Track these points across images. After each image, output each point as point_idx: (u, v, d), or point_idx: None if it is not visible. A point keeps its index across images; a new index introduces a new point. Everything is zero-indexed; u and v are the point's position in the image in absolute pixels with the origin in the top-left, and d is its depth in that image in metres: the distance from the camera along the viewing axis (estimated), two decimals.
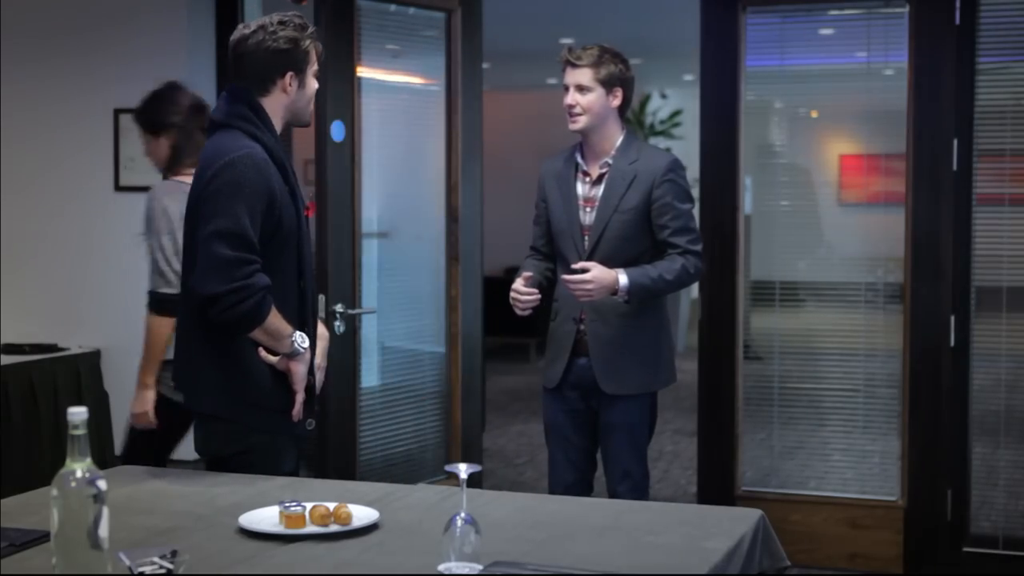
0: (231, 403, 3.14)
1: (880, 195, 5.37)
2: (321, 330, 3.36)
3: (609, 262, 3.91)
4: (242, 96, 3.16)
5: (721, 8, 5.22)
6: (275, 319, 3.09)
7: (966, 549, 5.00)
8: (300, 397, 3.15)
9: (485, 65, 5.88)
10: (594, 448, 4.17)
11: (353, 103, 5.09)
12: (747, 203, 5.39)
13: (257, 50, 3.15)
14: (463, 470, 2.34)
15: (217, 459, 3.18)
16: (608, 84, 4.03)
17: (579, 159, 4.13)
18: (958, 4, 4.91)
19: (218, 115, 3.19)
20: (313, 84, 3.24)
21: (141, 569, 1.97)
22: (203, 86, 6.04)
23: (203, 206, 3.09)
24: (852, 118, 5.50)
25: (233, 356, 3.12)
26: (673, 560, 2.32)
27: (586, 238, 4.02)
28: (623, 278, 3.89)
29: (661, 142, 12.95)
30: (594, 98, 4.04)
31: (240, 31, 3.19)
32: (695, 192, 5.95)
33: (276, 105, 3.18)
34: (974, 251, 4.98)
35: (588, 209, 4.05)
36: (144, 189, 6.12)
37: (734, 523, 2.58)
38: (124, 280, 6.11)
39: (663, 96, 13.21)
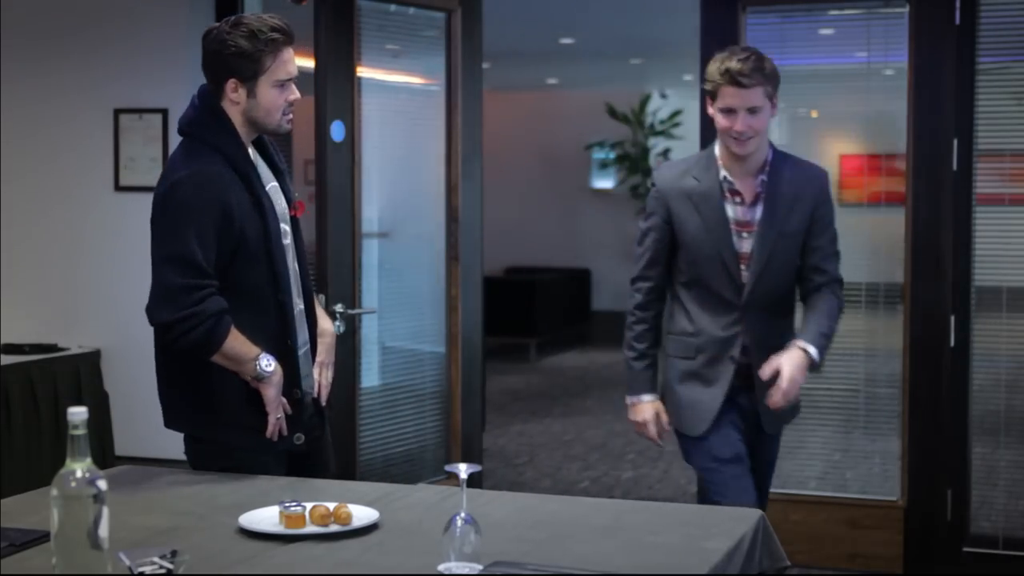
0: (206, 423, 3.12)
1: (880, 195, 5.37)
2: (326, 326, 3.32)
3: (769, 295, 3.59)
4: (205, 100, 3.09)
5: (721, 8, 5.22)
6: (235, 343, 3.00)
7: (966, 549, 5.00)
8: (272, 419, 3.08)
9: (485, 65, 5.88)
10: None
11: (353, 103, 5.09)
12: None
13: (207, 51, 3.07)
14: (463, 470, 2.34)
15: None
16: (774, 96, 3.58)
17: (725, 176, 3.62)
18: (958, 4, 4.91)
19: (182, 122, 3.12)
20: (269, 94, 3.04)
21: (141, 569, 1.97)
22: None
23: (153, 229, 3.03)
24: (852, 118, 5.50)
25: (204, 377, 3.07)
26: (673, 560, 2.32)
27: (743, 267, 3.58)
28: (811, 349, 3.52)
29: (661, 142, 12.97)
30: (765, 117, 3.55)
31: (210, 27, 3.11)
32: None
33: (232, 111, 3.07)
34: (974, 251, 4.98)
35: (745, 235, 3.58)
36: (144, 189, 6.15)
37: (734, 523, 2.58)
38: (124, 280, 6.10)
39: (663, 96, 13.21)
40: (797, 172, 3.62)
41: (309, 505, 2.52)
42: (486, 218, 5.91)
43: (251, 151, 3.14)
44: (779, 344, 3.54)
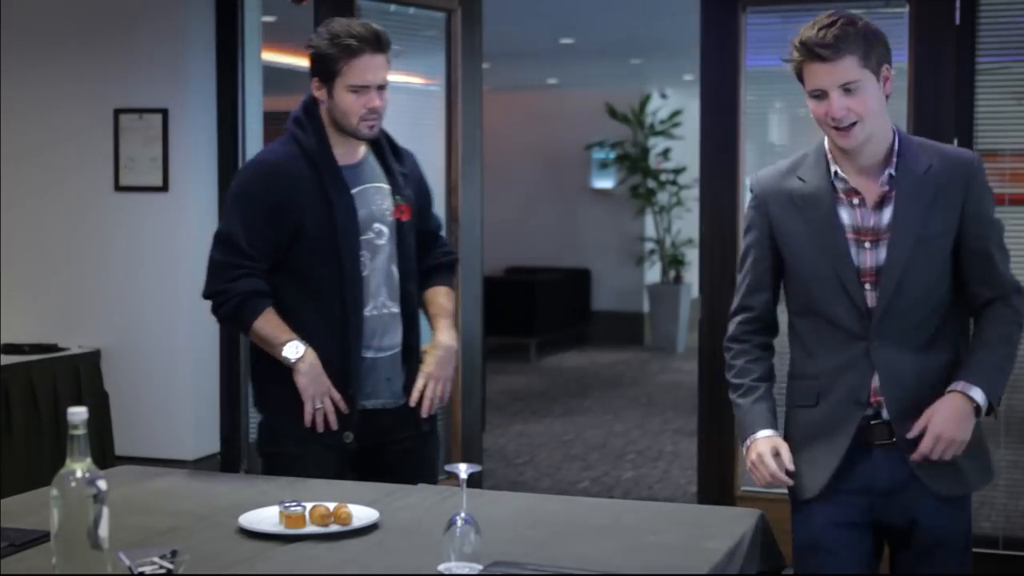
0: (263, 406, 3.32)
1: None
2: (442, 339, 3.33)
3: (906, 320, 2.76)
4: (307, 96, 3.28)
5: (721, 8, 5.22)
6: (267, 325, 3.16)
7: None
8: (308, 407, 3.16)
9: (485, 65, 5.88)
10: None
11: None
12: (747, 203, 5.37)
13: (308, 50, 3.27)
14: (463, 470, 2.34)
15: (262, 456, 3.33)
16: (879, 66, 2.76)
17: (836, 172, 2.82)
18: (958, 4, 4.91)
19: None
20: (345, 98, 3.16)
21: (141, 569, 1.97)
22: (203, 86, 6.05)
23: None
24: None
25: (265, 360, 3.23)
26: (673, 560, 2.32)
27: (868, 286, 2.77)
28: (974, 392, 2.74)
29: (661, 142, 12.96)
30: (869, 95, 2.73)
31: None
32: (695, 192, 5.96)
33: (322, 109, 3.25)
34: None
35: (868, 245, 2.78)
36: (144, 189, 6.16)
37: (734, 523, 2.58)
38: (124, 280, 6.11)
39: (663, 96, 13.21)
40: (937, 160, 2.81)
41: (309, 505, 2.52)
42: (486, 218, 5.91)
43: (344, 149, 3.23)
44: (924, 385, 2.77)
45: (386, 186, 3.29)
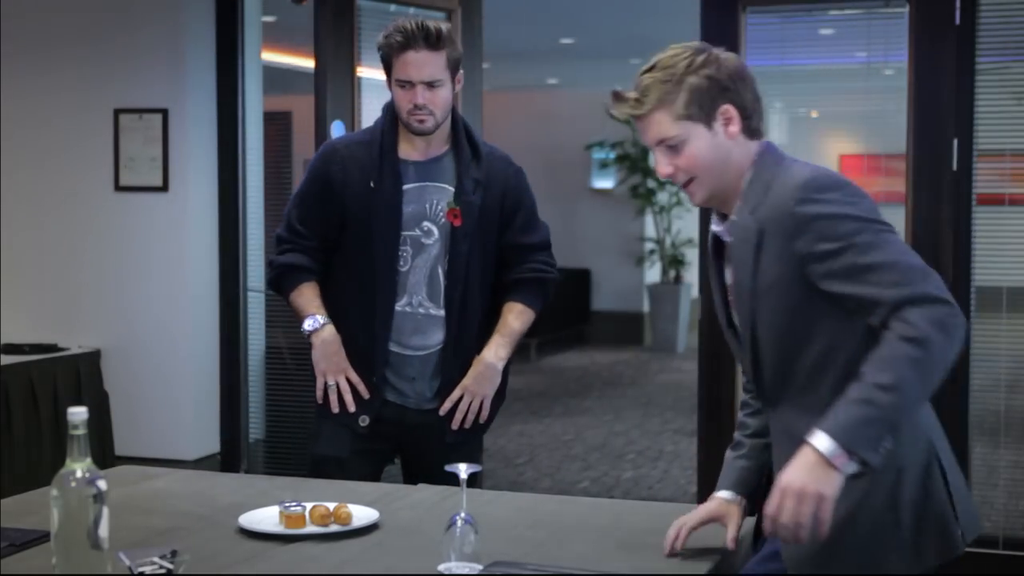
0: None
1: (880, 195, 5.36)
2: (485, 355, 3.30)
3: (788, 380, 2.31)
4: None
5: (721, 8, 5.22)
6: (299, 298, 3.30)
7: (966, 549, 4.99)
8: (319, 382, 3.27)
9: (485, 65, 5.88)
10: None
11: (353, 103, 5.09)
12: None
13: None
14: (463, 470, 2.34)
15: None
16: (706, 113, 2.30)
17: (716, 224, 2.44)
18: (958, 4, 4.91)
19: None
20: (395, 93, 3.23)
21: (141, 569, 1.96)
22: (203, 86, 6.05)
23: None
24: (852, 118, 5.51)
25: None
26: (673, 560, 2.32)
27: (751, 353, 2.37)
28: (818, 440, 2.09)
29: None
30: (697, 148, 2.30)
31: None
32: None
33: None
34: (974, 251, 4.97)
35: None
36: (144, 189, 6.16)
37: None
38: (124, 280, 6.11)
39: None
40: (768, 193, 2.29)
41: (309, 505, 2.52)
42: None
43: (417, 144, 3.26)
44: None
45: (451, 188, 3.27)
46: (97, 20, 6.11)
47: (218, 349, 6.10)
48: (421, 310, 3.26)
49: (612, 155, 13.15)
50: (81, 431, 1.97)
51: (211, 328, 6.10)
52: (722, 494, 2.43)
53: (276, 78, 6.69)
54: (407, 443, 3.34)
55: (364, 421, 3.26)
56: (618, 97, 2.33)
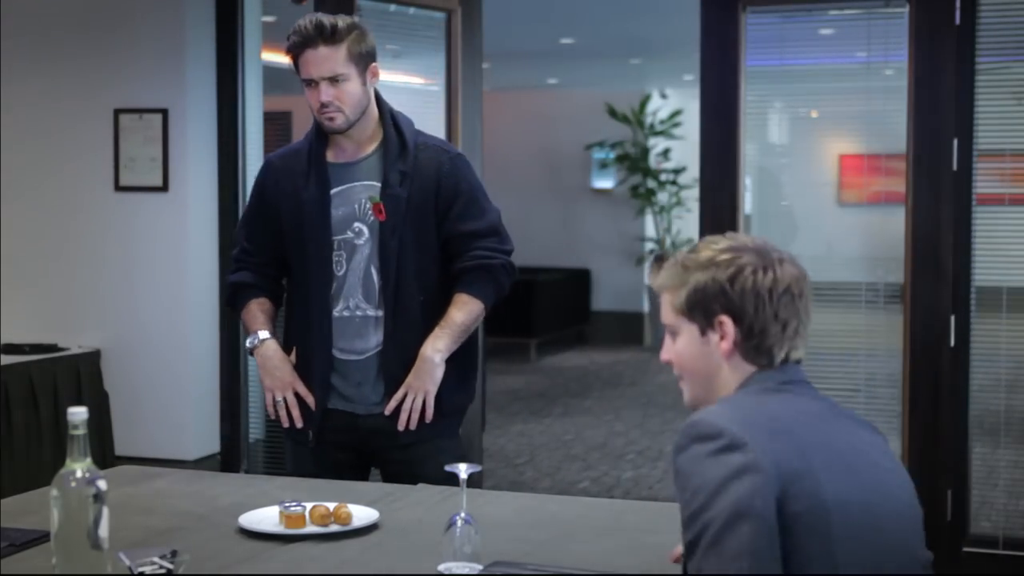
0: None
1: (880, 195, 5.36)
2: (424, 350, 3.17)
3: None
4: None
5: (721, 8, 5.22)
6: (245, 315, 3.32)
7: (966, 549, 5.00)
8: (267, 399, 3.26)
9: (485, 65, 5.88)
10: None
11: None
12: (747, 203, 5.38)
13: None
14: (463, 470, 2.34)
15: None
16: (703, 316, 2.08)
17: None
18: (958, 4, 4.91)
19: None
20: (307, 93, 3.19)
21: (141, 569, 1.96)
22: (203, 86, 6.05)
23: None
24: (852, 118, 5.50)
25: None
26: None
27: None
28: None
29: (661, 142, 12.96)
30: (683, 348, 2.14)
31: None
32: (695, 192, 5.95)
33: None
34: (974, 251, 4.98)
35: None
36: (144, 189, 6.16)
37: None
38: (124, 280, 6.11)
39: (663, 96, 13.21)
40: None
41: (309, 505, 2.52)
42: None
43: (343, 146, 3.22)
44: None
45: (378, 184, 3.20)
46: (97, 20, 6.11)
47: (218, 349, 6.10)
48: (359, 312, 3.19)
49: (612, 155, 13.15)
50: (81, 431, 1.97)
51: (211, 328, 6.10)
52: None
53: (276, 78, 6.68)
54: (368, 451, 3.26)
55: (309, 437, 3.23)
56: (657, 259, 2.19)
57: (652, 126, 13.00)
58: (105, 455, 5.75)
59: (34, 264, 6.20)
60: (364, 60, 3.18)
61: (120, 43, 6.07)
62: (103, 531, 1.97)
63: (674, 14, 7.89)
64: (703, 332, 2.03)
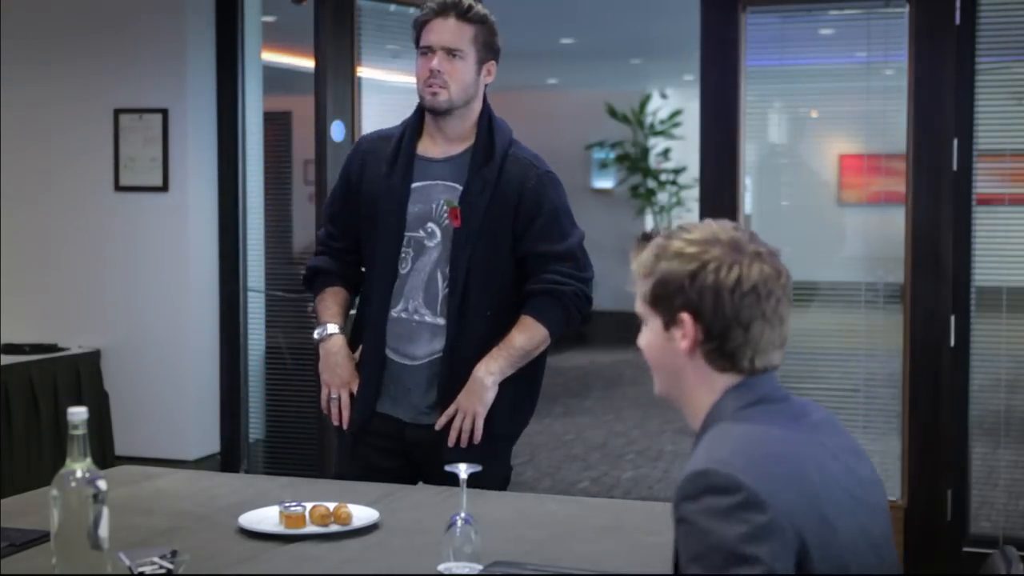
0: None
1: (880, 195, 5.36)
2: (477, 372, 3.03)
3: None
4: None
5: (721, 8, 5.22)
6: (319, 304, 3.22)
7: (966, 549, 5.00)
8: (323, 394, 3.17)
9: None
10: None
11: (353, 103, 5.09)
12: (747, 203, 5.38)
13: None
14: (463, 470, 2.34)
15: None
16: (665, 311, 1.99)
17: None
18: (958, 4, 4.91)
19: None
20: (418, 63, 3.14)
21: (141, 569, 1.96)
22: (203, 86, 6.05)
23: None
24: (852, 118, 5.50)
25: None
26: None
27: None
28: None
29: (661, 142, 12.97)
30: (647, 342, 2.07)
31: None
32: (695, 192, 5.94)
33: None
34: (974, 251, 4.98)
35: None
36: (144, 189, 6.16)
37: None
38: (124, 280, 6.10)
39: (663, 96, 13.21)
40: None
41: (309, 505, 2.52)
42: None
43: (437, 141, 3.13)
44: None
45: (459, 187, 3.07)
46: (97, 20, 6.11)
47: (218, 349, 6.10)
48: (416, 316, 3.07)
49: (612, 155, 13.15)
50: (81, 431, 1.97)
51: (211, 328, 6.10)
52: None
53: (276, 78, 6.69)
54: (414, 462, 3.14)
55: (350, 437, 3.13)
56: (644, 238, 2.01)
57: (652, 126, 13.01)
58: (105, 455, 5.75)
59: (34, 264, 6.20)
60: (487, 51, 3.12)
61: (120, 43, 6.07)
62: (103, 531, 1.97)
63: (674, 14, 7.89)
64: (666, 327, 1.90)
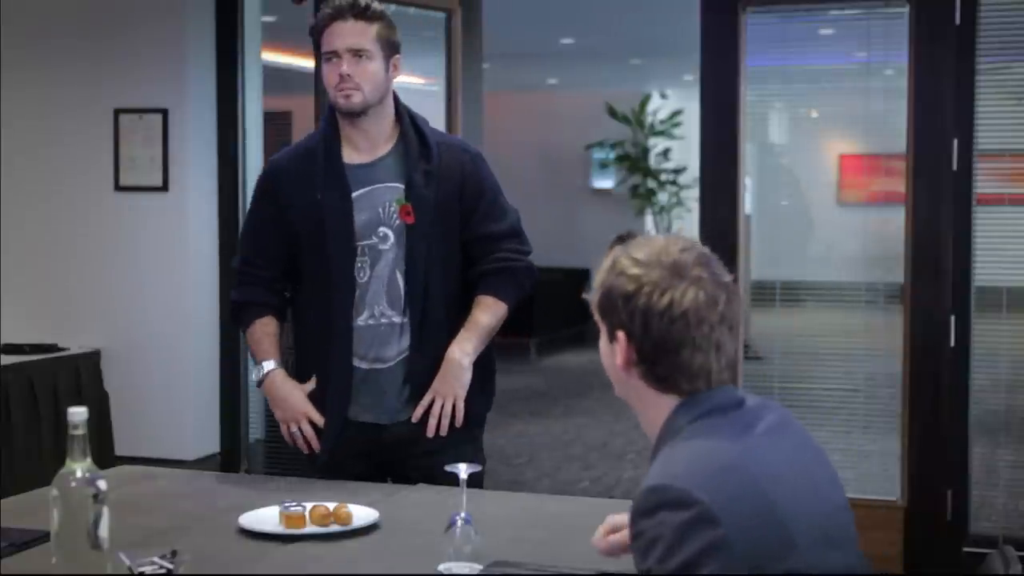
0: None
1: (880, 195, 5.37)
2: (450, 353, 3.05)
3: None
4: None
5: (721, 8, 5.22)
6: (250, 339, 3.15)
7: (966, 549, 5.00)
8: (283, 429, 3.13)
9: (485, 65, 5.89)
10: None
11: None
12: (747, 203, 5.38)
13: None
14: (463, 470, 2.34)
15: None
16: (609, 326, 2.02)
17: None
18: (958, 4, 4.91)
19: None
20: (325, 70, 3.05)
21: (141, 569, 1.97)
22: (203, 86, 6.05)
23: None
24: (852, 118, 5.51)
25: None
26: None
27: None
28: None
29: (661, 142, 12.97)
30: (603, 352, 2.09)
31: None
32: (695, 192, 5.95)
33: None
34: (974, 251, 4.98)
35: None
36: (144, 189, 6.16)
37: None
38: (124, 280, 6.11)
39: (663, 96, 13.21)
40: None
41: (309, 505, 2.51)
42: None
43: (360, 145, 3.08)
44: None
45: (402, 185, 3.05)
46: (97, 20, 6.11)
47: (218, 349, 6.10)
48: (384, 320, 3.05)
49: (612, 155, 13.16)
50: (81, 431, 1.97)
51: (211, 328, 6.10)
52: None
53: (276, 78, 6.69)
54: (388, 460, 3.12)
55: (322, 458, 3.07)
56: (618, 239, 2.03)
57: (652, 126, 13.01)
58: (105, 455, 5.75)
59: (34, 264, 6.21)
60: (390, 47, 3.07)
61: (120, 43, 6.07)
62: (103, 531, 1.97)
63: (674, 14, 7.89)
64: (610, 340, 1.92)
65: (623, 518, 2.10)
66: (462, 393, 3.08)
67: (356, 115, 3.05)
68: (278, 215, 3.10)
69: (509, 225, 3.18)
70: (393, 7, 5.36)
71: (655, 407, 1.91)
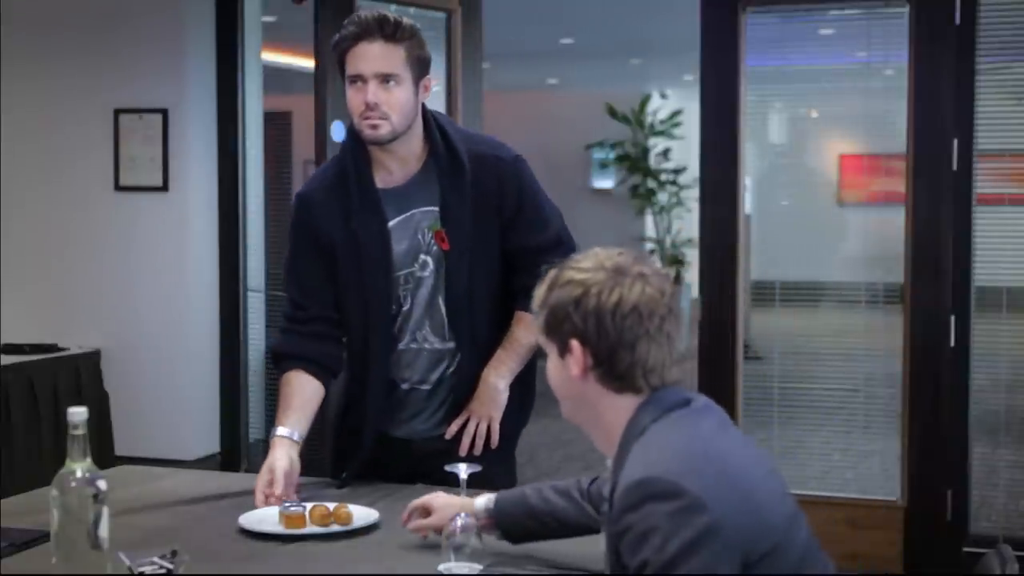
0: None
1: (880, 195, 5.37)
2: (487, 376, 2.93)
3: None
4: None
5: (721, 8, 5.22)
6: (279, 393, 2.91)
7: (966, 549, 5.00)
8: (257, 496, 2.71)
9: (485, 65, 5.88)
10: None
11: None
12: (747, 203, 5.38)
13: None
14: (463, 470, 2.34)
15: None
16: (558, 339, 2.04)
17: None
18: (958, 4, 4.91)
19: None
20: (350, 94, 2.81)
21: (141, 569, 1.97)
22: (203, 86, 6.05)
23: None
24: (852, 118, 5.51)
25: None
26: None
27: None
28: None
29: (661, 142, 12.97)
30: (551, 371, 2.15)
31: None
32: (695, 192, 5.95)
33: None
34: (974, 251, 4.98)
35: None
36: (144, 189, 6.16)
37: None
38: (124, 280, 6.11)
39: (663, 96, 13.21)
40: None
41: (309, 505, 2.51)
42: None
43: (389, 168, 2.89)
44: None
45: (436, 209, 2.87)
46: (97, 20, 6.11)
47: (218, 349, 6.10)
48: (427, 345, 2.93)
49: (612, 155, 13.15)
50: (81, 431, 1.97)
51: (211, 328, 6.10)
52: (482, 500, 2.37)
53: (276, 78, 6.70)
54: (415, 474, 2.98)
55: (341, 481, 2.94)
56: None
57: (652, 126, 13.00)
58: (105, 455, 5.75)
59: (34, 264, 6.20)
60: (421, 67, 2.84)
61: (120, 43, 6.07)
62: (103, 531, 1.97)
63: (674, 14, 7.89)
64: (561, 355, 1.97)
65: (444, 500, 2.35)
66: (497, 415, 2.96)
67: (384, 143, 2.85)
68: (317, 248, 2.91)
69: (553, 233, 2.97)
70: (393, 7, 5.36)
71: (614, 410, 1.96)
